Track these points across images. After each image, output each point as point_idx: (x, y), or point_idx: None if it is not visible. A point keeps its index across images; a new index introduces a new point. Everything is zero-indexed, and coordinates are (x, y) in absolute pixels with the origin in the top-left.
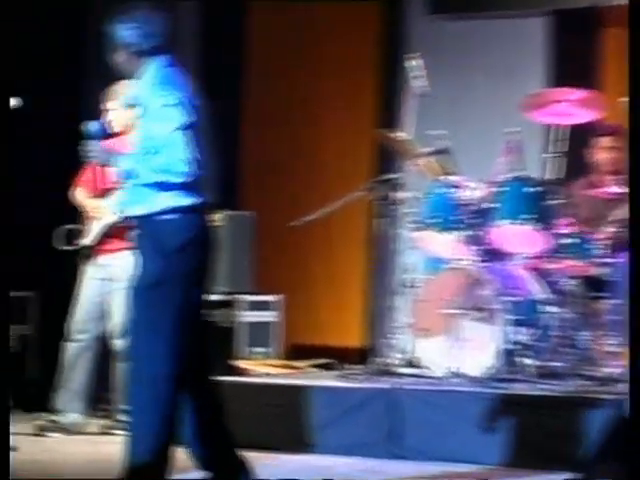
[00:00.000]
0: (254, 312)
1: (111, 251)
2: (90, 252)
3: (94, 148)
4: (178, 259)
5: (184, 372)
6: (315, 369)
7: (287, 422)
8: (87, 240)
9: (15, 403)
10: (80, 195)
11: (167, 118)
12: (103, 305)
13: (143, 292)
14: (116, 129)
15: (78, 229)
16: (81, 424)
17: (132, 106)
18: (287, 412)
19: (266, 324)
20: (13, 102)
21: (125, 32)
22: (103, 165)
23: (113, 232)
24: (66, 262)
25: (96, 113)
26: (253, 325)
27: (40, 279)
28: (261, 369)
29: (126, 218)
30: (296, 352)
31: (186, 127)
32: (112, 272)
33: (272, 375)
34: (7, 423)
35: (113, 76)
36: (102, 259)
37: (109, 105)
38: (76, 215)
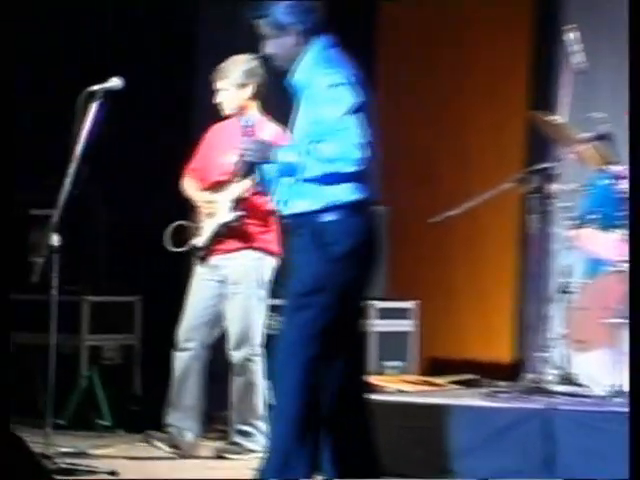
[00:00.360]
0: (387, 320)
1: (227, 251)
2: (203, 253)
3: (249, 145)
4: (343, 266)
5: (337, 389)
6: (457, 386)
7: (425, 446)
8: (200, 241)
9: (117, 422)
10: (190, 187)
11: (335, 99)
12: (216, 310)
13: (297, 300)
14: (227, 111)
15: (188, 226)
16: (196, 446)
17: (245, 84)
18: (425, 435)
19: (401, 334)
20: (113, 82)
21: (285, 11)
22: (260, 163)
23: (229, 231)
24: (175, 262)
25: (209, 94)
26: (386, 335)
27: (146, 282)
28: (395, 386)
29: (283, 217)
30: (435, 366)
31: (357, 109)
32: (227, 274)
33: (408, 393)
34: (7, 428)
35: (224, 54)
36: (216, 259)
37: (219, 85)
38: (186, 209)
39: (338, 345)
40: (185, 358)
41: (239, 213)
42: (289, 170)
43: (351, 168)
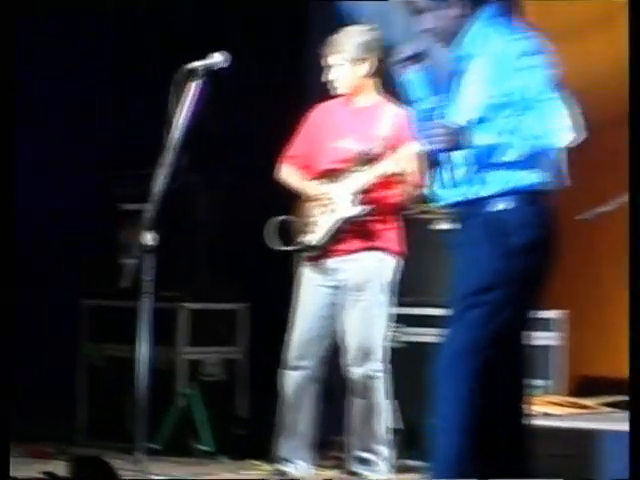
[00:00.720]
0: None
1: (346, 251)
2: (317, 253)
3: (440, 130)
4: (520, 261)
5: (499, 405)
6: (610, 409)
7: (574, 476)
8: (315, 238)
9: (218, 447)
10: (292, 176)
11: (532, 68)
12: (330, 321)
13: (466, 299)
14: (340, 90)
15: (296, 222)
16: (312, 476)
17: (361, 60)
18: (575, 465)
19: (545, 348)
20: (215, 58)
21: None
22: (452, 149)
23: (349, 229)
24: (285, 264)
25: (317, 70)
26: (528, 350)
27: (252, 287)
28: (539, 408)
29: (454, 204)
30: (584, 386)
31: (556, 77)
32: (347, 278)
33: (554, 416)
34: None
35: (335, 25)
36: (332, 262)
37: (331, 60)
38: (289, 203)
39: (510, 352)
40: (297, 378)
41: (366, 207)
42: (487, 153)
43: (560, 144)
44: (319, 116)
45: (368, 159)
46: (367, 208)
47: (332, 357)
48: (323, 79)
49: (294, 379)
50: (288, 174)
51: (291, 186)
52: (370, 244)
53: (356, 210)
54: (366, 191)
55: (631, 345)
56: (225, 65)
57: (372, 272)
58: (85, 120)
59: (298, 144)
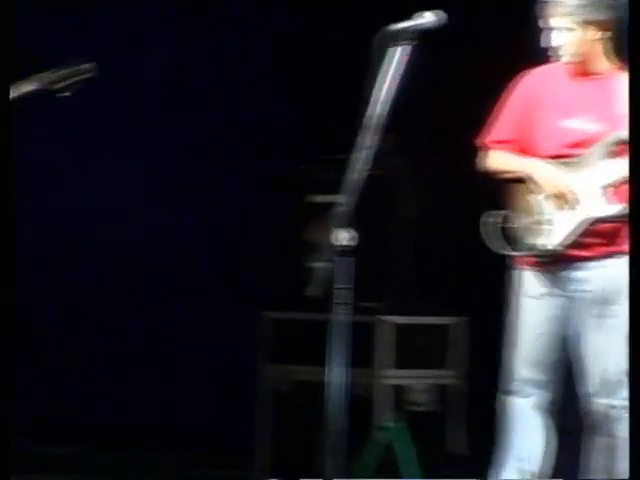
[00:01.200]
0: None
1: (586, 258)
2: (552, 259)
3: None
4: None
5: None
6: None
7: None
8: (552, 241)
9: None
10: (511, 161)
11: None
12: (561, 339)
13: None
14: (567, 58)
15: (521, 219)
16: None
17: (594, 22)
18: None
19: None
20: (426, 18)
21: None
22: None
23: (592, 229)
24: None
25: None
26: None
27: (469, 297)
28: None
29: None
30: None
31: None
32: (588, 290)
33: None
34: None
35: None
36: (567, 269)
37: (555, 22)
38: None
39: None
40: (522, 406)
41: (625, 206)
42: None
43: None
44: (536, 87)
45: (617, 143)
46: (626, 207)
47: (563, 384)
48: (543, 44)
49: (518, 408)
50: (503, 160)
51: (513, 174)
52: (615, 248)
53: (613, 209)
54: (617, 185)
55: (631, 344)
56: (438, 26)
57: (621, 281)
58: (260, 95)
59: (507, 123)
